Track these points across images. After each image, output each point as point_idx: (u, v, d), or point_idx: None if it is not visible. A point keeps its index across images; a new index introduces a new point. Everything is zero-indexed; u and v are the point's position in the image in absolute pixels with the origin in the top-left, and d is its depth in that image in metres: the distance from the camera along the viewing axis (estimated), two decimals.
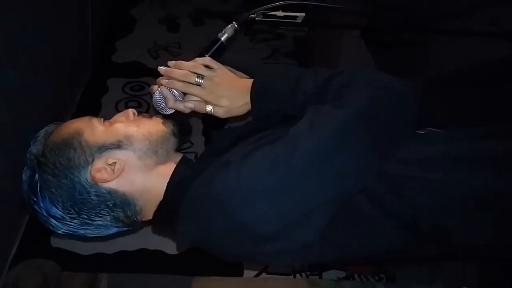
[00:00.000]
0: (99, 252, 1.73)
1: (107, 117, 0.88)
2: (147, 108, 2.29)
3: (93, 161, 0.79)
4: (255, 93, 0.83)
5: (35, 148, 0.81)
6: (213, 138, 0.92)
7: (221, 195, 0.72)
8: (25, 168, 0.81)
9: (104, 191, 0.79)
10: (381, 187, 0.76)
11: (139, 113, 0.88)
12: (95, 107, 2.33)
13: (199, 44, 3.23)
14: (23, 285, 1.56)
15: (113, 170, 0.79)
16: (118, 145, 0.81)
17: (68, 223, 0.80)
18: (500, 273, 1.31)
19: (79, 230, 0.82)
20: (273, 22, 0.98)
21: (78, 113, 2.25)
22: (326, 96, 0.78)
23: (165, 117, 0.87)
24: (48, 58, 1.91)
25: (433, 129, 0.87)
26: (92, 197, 0.79)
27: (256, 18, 0.95)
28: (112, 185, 0.80)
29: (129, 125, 0.84)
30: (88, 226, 0.81)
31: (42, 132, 0.83)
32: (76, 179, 0.78)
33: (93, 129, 0.81)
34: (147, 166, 0.82)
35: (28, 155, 0.81)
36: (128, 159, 0.81)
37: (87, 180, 0.79)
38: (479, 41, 1.30)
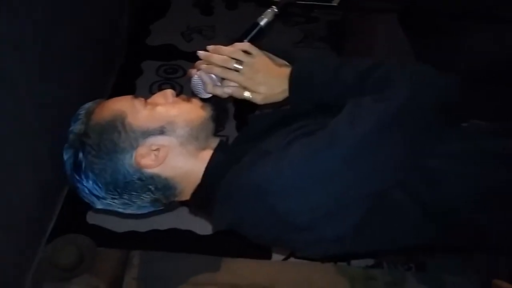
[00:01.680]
0: (133, 230, 1.78)
1: (145, 97, 0.88)
2: (180, 91, 2.31)
3: (137, 146, 0.80)
4: (294, 82, 0.83)
5: (77, 127, 0.82)
6: (249, 121, 0.92)
7: (260, 184, 0.72)
8: (66, 146, 0.82)
9: (147, 175, 0.81)
10: (417, 180, 0.75)
11: (177, 95, 0.89)
12: (130, 89, 2.36)
13: (233, 28, 3.23)
14: (59, 259, 1.63)
15: (157, 156, 0.80)
16: (161, 131, 0.81)
17: (109, 202, 0.83)
18: None
19: (119, 209, 0.84)
20: (309, 5, 0.96)
21: (113, 96, 2.30)
22: (365, 88, 0.77)
23: (203, 101, 0.88)
24: (84, 41, 1.95)
25: (477, 121, 0.86)
26: (135, 181, 0.81)
27: (291, 1, 0.94)
28: (155, 170, 0.81)
29: (171, 110, 0.84)
30: (128, 206, 0.84)
31: (83, 111, 0.84)
32: (121, 163, 0.79)
33: (136, 113, 0.82)
34: (188, 151, 0.83)
35: (70, 134, 0.82)
36: (171, 145, 0.82)
37: (131, 165, 0.80)
38: None
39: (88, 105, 0.86)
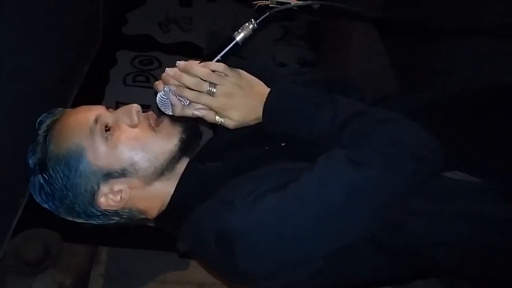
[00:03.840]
0: (101, 225, 1.74)
1: (108, 109, 0.83)
2: (155, 80, 2.28)
3: (98, 188, 0.78)
4: (268, 113, 0.79)
5: (36, 155, 0.79)
6: (217, 133, 0.91)
7: (225, 238, 0.71)
8: (31, 168, 0.80)
9: (111, 212, 0.80)
10: (380, 229, 0.75)
11: (144, 109, 0.84)
12: (103, 79, 2.32)
13: (211, 21, 3.15)
14: (24, 254, 1.59)
15: (119, 197, 0.79)
16: (123, 173, 0.79)
17: (77, 221, 0.84)
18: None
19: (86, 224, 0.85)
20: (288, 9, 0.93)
21: (86, 85, 2.26)
22: (342, 138, 0.75)
23: (171, 118, 0.83)
24: (59, 27, 1.90)
25: (458, 172, 0.84)
26: (98, 215, 0.81)
27: (271, 5, 0.91)
28: (117, 208, 0.80)
29: (134, 148, 0.79)
30: (95, 224, 0.84)
31: (42, 131, 0.81)
32: (80, 200, 0.79)
33: (96, 149, 0.77)
34: (152, 185, 0.81)
35: (30, 158, 0.80)
36: (134, 185, 0.80)
37: (92, 203, 0.79)
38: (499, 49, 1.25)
39: (46, 121, 0.82)
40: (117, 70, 2.39)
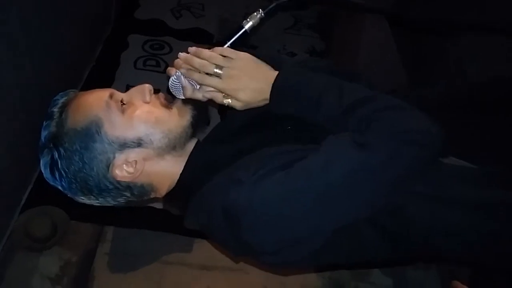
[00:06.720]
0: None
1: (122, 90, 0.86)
2: (164, 67, 2.29)
3: (114, 158, 0.80)
4: (275, 94, 0.81)
5: (51, 129, 0.80)
6: (227, 117, 0.93)
7: (231, 214, 0.74)
8: (40, 145, 0.81)
9: (124, 185, 0.82)
10: (381, 211, 0.77)
11: (155, 91, 0.87)
12: (114, 62, 2.34)
13: (223, 7, 3.14)
14: (32, 230, 1.63)
15: (133, 168, 0.80)
16: (138, 143, 0.81)
17: (85, 201, 0.84)
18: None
19: (95, 203, 0.86)
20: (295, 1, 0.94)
21: (98, 67, 2.28)
22: (348, 123, 0.77)
23: (182, 101, 0.86)
24: (71, 10, 1.91)
25: (456, 159, 0.86)
26: (111, 189, 0.82)
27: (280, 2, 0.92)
28: (130, 179, 0.82)
29: (148, 120, 0.82)
30: (103, 203, 0.85)
31: (55, 108, 0.82)
32: (95, 173, 0.79)
33: (113, 121, 0.80)
34: (164, 159, 0.84)
35: (43, 133, 0.81)
36: (147, 156, 0.82)
37: (106, 175, 0.80)
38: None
39: (61, 99, 0.83)
40: (128, 54, 2.41)
